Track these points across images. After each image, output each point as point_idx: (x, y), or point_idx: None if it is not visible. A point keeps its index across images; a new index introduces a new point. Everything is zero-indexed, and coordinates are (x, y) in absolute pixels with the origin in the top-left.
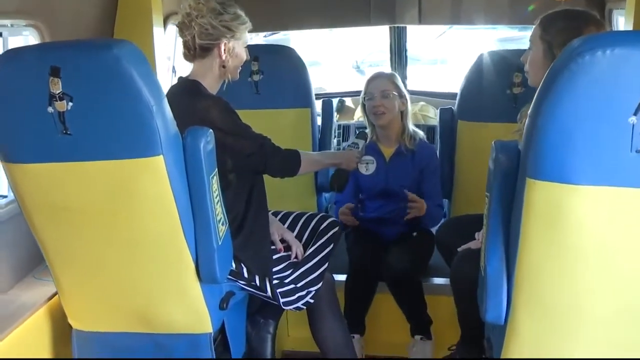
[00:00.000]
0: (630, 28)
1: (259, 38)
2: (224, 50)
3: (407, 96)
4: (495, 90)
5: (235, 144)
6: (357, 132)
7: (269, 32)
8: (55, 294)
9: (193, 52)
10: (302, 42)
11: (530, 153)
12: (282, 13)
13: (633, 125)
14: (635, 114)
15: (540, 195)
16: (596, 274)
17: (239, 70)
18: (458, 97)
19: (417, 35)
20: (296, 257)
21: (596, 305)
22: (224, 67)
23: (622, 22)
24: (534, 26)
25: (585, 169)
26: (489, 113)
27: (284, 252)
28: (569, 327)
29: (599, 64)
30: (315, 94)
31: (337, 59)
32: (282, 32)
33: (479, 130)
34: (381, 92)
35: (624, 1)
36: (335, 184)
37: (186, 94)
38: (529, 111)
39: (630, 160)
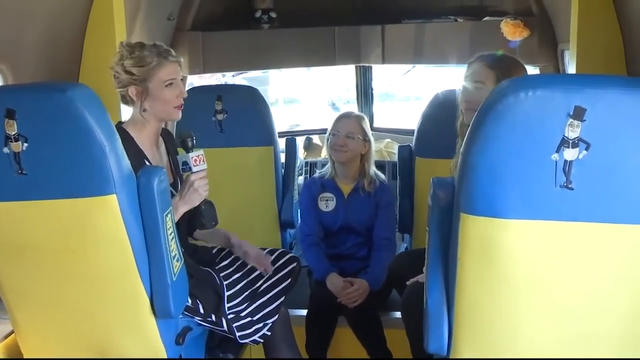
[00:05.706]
0: (574, 67)
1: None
2: (135, 96)
3: (372, 140)
4: (451, 127)
5: None
6: (181, 142)
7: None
8: (12, 332)
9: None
10: (282, 80)
11: (463, 189)
12: (248, 53)
13: (556, 162)
14: (557, 151)
15: (474, 230)
16: (530, 305)
17: (172, 111)
18: (415, 135)
19: (390, 73)
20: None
21: (533, 335)
22: (145, 110)
23: None
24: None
25: (514, 204)
26: (445, 149)
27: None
28: (509, 356)
29: (522, 104)
30: (281, 132)
31: (315, 96)
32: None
33: (436, 167)
34: (347, 132)
35: None
36: (200, 224)
37: None
38: (461, 149)
39: (555, 194)
